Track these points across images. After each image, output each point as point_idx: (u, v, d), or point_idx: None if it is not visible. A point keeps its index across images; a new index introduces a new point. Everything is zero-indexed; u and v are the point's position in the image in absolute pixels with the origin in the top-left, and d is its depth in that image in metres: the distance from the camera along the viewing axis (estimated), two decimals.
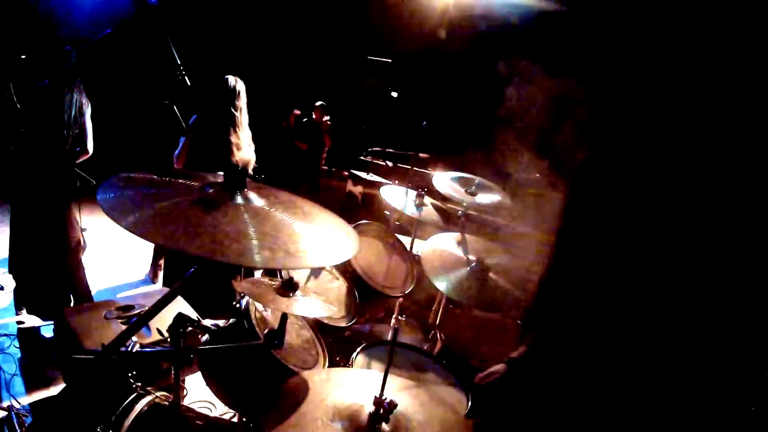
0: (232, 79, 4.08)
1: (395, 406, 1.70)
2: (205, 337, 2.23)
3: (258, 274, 3.63)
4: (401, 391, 1.89)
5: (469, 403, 2.50)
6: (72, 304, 4.03)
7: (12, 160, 3.74)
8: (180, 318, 1.72)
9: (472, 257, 3.03)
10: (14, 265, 3.98)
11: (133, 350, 2.00)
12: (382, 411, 1.68)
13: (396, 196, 3.76)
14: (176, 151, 4.10)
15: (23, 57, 4.61)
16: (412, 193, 3.70)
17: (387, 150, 5.89)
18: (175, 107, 4.05)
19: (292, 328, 2.57)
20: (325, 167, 7.29)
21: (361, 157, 6.22)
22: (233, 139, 4.05)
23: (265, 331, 1.99)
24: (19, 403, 3.14)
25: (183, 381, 2.85)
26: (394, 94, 5.22)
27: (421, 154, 5.33)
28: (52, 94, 3.70)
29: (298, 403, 1.74)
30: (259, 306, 2.44)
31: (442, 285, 2.83)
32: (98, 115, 4.02)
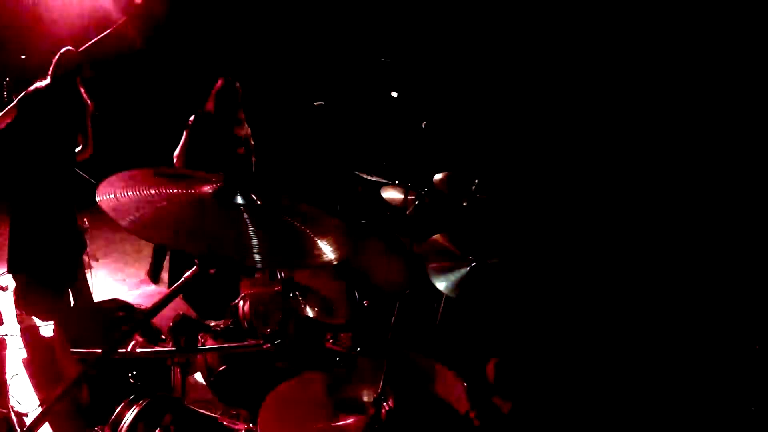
0: (228, 80, 4.08)
1: (394, 407, 1.70)
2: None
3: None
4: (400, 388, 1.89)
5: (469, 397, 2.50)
6: (72, 305, 4.03)
7: (11, 159, 3.74)
8: (181, 319, 1.72)
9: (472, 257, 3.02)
10: (14, 266, 3.97)
11: (133, 350, 2.00)
12: (382, 412, 1.68)
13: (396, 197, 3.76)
14: (176, 151, 4.10)
15: (23, 57, 4.61)
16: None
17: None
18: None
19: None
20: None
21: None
22: (231, 138, 4.05)
23: (267, 331, 1.99)
24: (20, 403, 3.14)
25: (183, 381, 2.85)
26: (394, 94, 5.21)
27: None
28: (52, 94, 3.69)
29: (297, 404, 1.74)
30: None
31: (442, 285, 2.82)
32: (98, 116, 4.01)
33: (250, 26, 6.85)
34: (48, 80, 3.72)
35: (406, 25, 5.76)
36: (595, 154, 4.06)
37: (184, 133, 4.09)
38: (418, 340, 3.43)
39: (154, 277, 5.03)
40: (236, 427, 2.28)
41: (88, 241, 4.32)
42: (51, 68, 3.72)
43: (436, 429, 1.90)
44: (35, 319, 3.95)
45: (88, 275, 4.16)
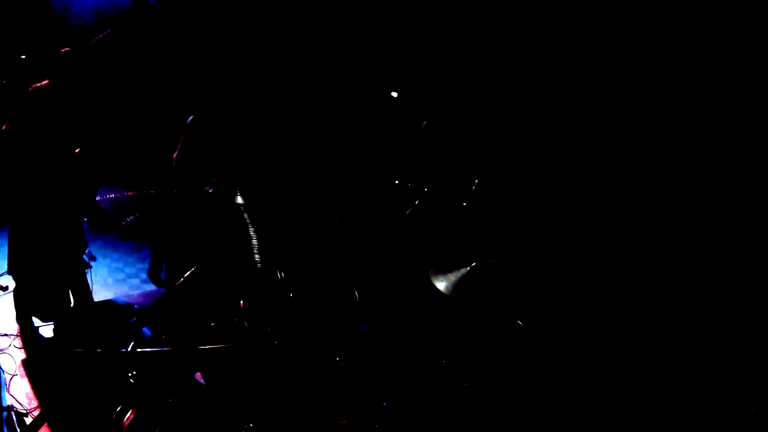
0: (224, 80, 4.08)
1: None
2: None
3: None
4: None
5: None
6: (72, 304, 4.03)
7: (11, 159, 3.74)
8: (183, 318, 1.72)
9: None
10: (14, 266, 3.97)
11: (133, 350, 2.00)
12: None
13: None
14: (175, 152, 4.10)
15: (23, 57, 4.61)
16: None
17: None
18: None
19: None
20: None
21: None
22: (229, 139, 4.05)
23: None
24: (20, 403, 3.14)
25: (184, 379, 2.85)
26: (394, 94, 5.20)
27: None
28: (51, 95, 3.69)
29: None
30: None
31: (441, 285, 2.83)
32: (98, 115, 4.01)
33: (248, 25, 6.85)
34: (46, 81, 3.72)
35: (405, 25, 5.76)
36: (594, 153, 4.06)
37: (183, 134, 4.08)
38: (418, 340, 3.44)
39: (154, 277, 5.03)
40: None
41: (87, 240, 4.32)
42: (49, 69, 3.72)
43: None
44: (35, 319, 3.96)
45: (87, 275, 4.15)
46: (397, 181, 4.68)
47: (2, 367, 3.43)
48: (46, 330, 3.89)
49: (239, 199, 1.54)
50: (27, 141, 3.68)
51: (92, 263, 4.32)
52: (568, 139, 4.23)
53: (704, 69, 3.55)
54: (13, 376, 3.38)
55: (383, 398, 2.38)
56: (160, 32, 6.24)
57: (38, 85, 3.72)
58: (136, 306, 4.28)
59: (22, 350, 3.68)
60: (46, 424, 2.81)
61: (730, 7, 3.42)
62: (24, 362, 3.55)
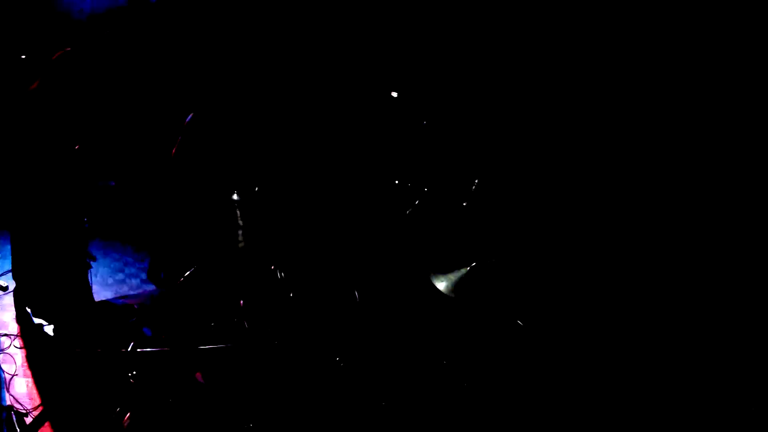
0: (224, 79, 4.08)
1: None
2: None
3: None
4: None
5: None
6: (72, 305, 4.02)
7: (10, 160, 3.74)
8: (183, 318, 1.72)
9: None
10: (17, 267, 3.97)
11: (133, 350, 2.00)
12: None
13: None
14: (173, 150, 4.10)
15: (23, 57, 4.61)
16: None
17: None
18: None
19: None
20: None
21: None
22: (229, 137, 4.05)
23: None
24: (20, 403, 3.14)
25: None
26: (394, 94, 5.20)
27: None
28: (48, 95, 3.69)
29: None
30: None
31: (442, 285, 2.83)
32: (97, 115, 4.01)
33: (247, 25, 6.85)
34: (45, 81, 3.71)
35: (404, 25, 5.76)
36: (595, 153, 4.06)
37: (181, 132, 4.08)
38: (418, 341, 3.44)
39: (154, 277, 5.02)
40: None
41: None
42: (48, 69, 3.72)
43: None
44: (36, 319, 3.96)
45: (88, 275, 4.15)
46: (397, 181, 4.68)
47: (2, 367, 3.43)
48: (47, 330, 3.89)
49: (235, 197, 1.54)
50: (25, 141, 3.68)
51: (92, 263, 4.32)
52: (569, 138, 4.23)
53: (704, 69, 3.55)
54: (13, 376, 3.38)
55: (383, 398, 2.39)
56: (159, 32, 6.24)
57: (33, 87, 3.71)
58: (136, 306, 4.27)
59: (23, 350, 3.68)
60: (46, 424, 2.81)
61: (730, 8, 3.42)
62: (24, 362, 3.55)
